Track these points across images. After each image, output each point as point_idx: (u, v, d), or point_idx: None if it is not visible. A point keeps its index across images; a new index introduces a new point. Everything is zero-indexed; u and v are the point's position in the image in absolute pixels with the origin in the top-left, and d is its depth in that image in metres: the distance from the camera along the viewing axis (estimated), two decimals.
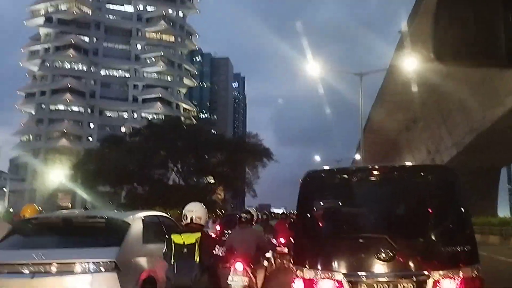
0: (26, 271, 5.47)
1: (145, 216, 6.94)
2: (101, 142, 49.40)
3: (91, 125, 78.55)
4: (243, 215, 7.45)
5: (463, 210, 4.78)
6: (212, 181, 46.66)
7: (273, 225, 12.98)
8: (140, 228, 6.50)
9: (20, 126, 78.84)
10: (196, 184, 44.94)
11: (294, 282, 4.62)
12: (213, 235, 11.67)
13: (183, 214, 5.02)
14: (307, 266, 4.57)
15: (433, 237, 4.68)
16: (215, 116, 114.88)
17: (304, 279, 4.54)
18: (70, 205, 63.44)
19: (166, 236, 4.94)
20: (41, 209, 11.19)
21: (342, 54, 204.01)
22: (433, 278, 4.26)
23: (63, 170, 48.36)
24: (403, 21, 24.32)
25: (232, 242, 6.95)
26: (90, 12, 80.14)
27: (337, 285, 4.40)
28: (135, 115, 79.74)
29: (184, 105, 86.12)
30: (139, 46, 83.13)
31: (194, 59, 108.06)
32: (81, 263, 5.47)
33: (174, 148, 41.70)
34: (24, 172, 72.41)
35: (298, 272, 4.60)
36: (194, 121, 76.63)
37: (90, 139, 74.84)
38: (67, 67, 78.22)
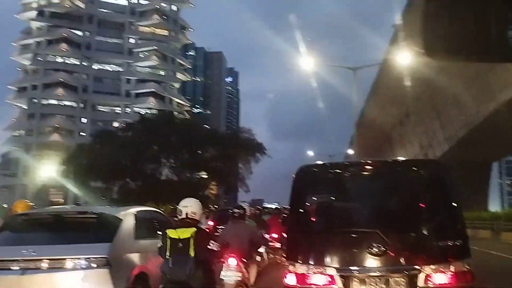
0: (17, 268, 5.40)
1: (137, 212, 6.89)
2: (93, 137, 49.07)
3: (84, 120, 77.95)
4: (235, 210, 7.43)
5: (455, 205, 4.79)
6: (205, 176, 46.61)
7: (265, 220, 12.97)
8: (132, 224, 6.45)
9: (12, 121, 78.15)
10: (189, 179, 44.86)
11: (286, 277, 4.63)
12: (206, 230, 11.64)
13: (178, 209, 5.05)
14: (299, 261, 4.58)
15: (424, 232, 4.71)
16: (208, 111, 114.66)
17: (296, 274, 4.55)
18: (62, 200, 63.05)
19: (158, 232, 4.92)
20: (33, 204, 11.09)
21: (336, 48, 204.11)
22: (425, 272, 4.29)
23: (55, 165, 48.01)
24: (397, 15, 24.35)
25: (225, 237, 6.94)
26: (82, 6, 79.36)
27: (329, 279, 4.41)
28: (128, 110, 79.28)
29: (177, 100, 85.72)
30: (132, 40, 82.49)
31: (188, 53, 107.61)
32: (72, 259, 5.42)
33: (167, 143, 41.57)
34: (16, 167, 71.81)
35: (291, 267, 4.61)
36: (187, 115, 76.41)
37: (83, 134, 74.28)
38: (59, 61, 77.46)
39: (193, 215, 4.93)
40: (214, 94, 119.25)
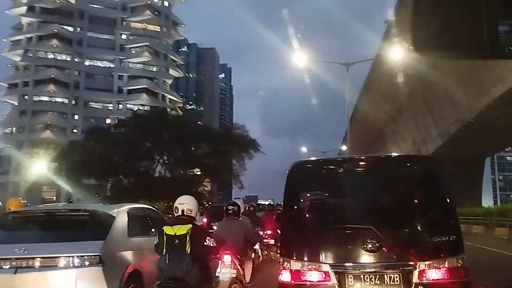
0: (9, 267, 5.36)
1: (130, 209, 6.84)
2: (85, 133, 48.81)
3: (76, 117, 77.50)
4: (230, 207, 7.41)
5: (448, 200, 4.80)
6: (199, 172, 46.57)
7: (260, 216, 12.97)
8: (125, 221, 6.41)
9: (3, 118, 77.48)
10: (183, 176, 44.82)
11: (281, 273, 4.62)
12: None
13: (174, 206, 5.09)
14: (294, 257, 4.57)
15: (418, 228, 4.72)
16: (201, 108, 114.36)
17: (291, 271, 4.54)
18: (54, 198, 62.65)
19: (152, 229, 4.91)
20: (26, 202, 11.00)
21: (329, 44, 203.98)
22: (419, 268, 4.30)
23: (47, 162, 47.69)
24: (389, 11, 24.37)
25: (219, 234, 6.92)
26: (73, 1, 78.62)
27: (324, 276, 4.41)
28: (120, 107, 78.91)
29: (170, 96, 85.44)
30: (124, 36, 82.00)
31: (180, 50, 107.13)
32: (65, 257, 5.38)
33: (160, 140, 41.49)
34: (8, 164, 71.27)
35: (285, 264, 4.60)
36: (180, 112, 76.19)
37: (75, 131, 73.89)
38: (50, 58, 76.90)
39: (189, 212, 4.96)
40: (207, 91, 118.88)
